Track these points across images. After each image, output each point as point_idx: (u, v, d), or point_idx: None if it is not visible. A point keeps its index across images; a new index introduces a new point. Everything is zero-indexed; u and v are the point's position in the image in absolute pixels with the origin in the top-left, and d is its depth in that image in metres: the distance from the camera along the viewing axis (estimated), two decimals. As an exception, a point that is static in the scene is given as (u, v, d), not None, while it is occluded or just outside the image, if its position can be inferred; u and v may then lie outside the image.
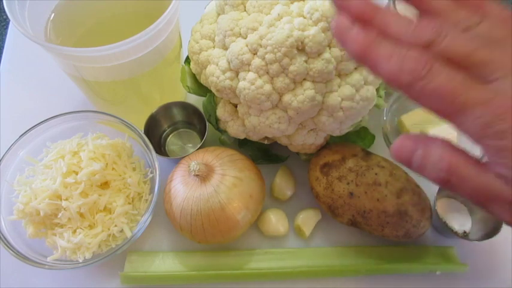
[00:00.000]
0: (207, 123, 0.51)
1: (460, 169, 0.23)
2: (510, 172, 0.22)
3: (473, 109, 0.22)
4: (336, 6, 0.27)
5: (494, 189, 0.23)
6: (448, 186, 0.24)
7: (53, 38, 0.46)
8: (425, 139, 0.25)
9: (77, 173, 0.44)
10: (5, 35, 0.67)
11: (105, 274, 0.48)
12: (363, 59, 0.25)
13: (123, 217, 0.45)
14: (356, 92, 0.41)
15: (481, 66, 0.23)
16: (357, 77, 0.41)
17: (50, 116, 0.48)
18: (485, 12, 0.26)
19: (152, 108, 0.52)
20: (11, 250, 0.42)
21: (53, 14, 0.47)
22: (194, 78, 0.49)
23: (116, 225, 0.44)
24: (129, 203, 0.46)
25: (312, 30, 0.38)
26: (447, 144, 0.24)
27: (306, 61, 0.39)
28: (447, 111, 0.23)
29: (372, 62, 0.24)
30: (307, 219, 0.49)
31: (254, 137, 0.48)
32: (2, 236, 0.43)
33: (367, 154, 0.47)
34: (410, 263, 0.47)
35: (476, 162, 0.24)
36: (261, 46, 0.39)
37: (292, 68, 0.39)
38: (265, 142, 0.50)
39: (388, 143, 0.51)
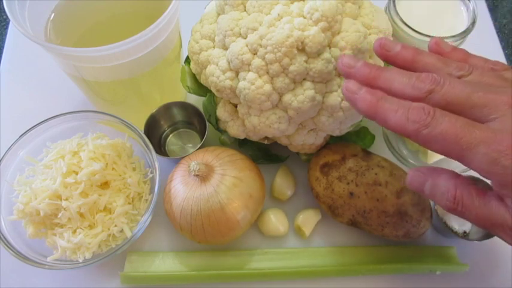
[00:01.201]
0: (207, 123, 0.51)
1: (464, 200, 0.26)
2: None
3: (478, 147, 0.24)
4: (343, 74, 0.32)
5: (496, 218, 0.25)
6: (456, 213, 0.27)
7: (53, 38, 0.46)
8: (433, 172, 0.28)
9: (77, 173, 0.44)
10: (5, 35, 0.67)
11: (105, 274, 0.48)
12: (372, 116, 0.28)
13: (123, 217, 0.45)
14: (356, 92, 0.41)
15: (479, 108, 0.26)
16: (357, 77, 0.41)
17: (50, 116, 0.48)
18: (471, 64, 0.30)
19: (152, 108, 0.52)
20: (11, 250, 0.42)
21: (53, 14, 0.47)
22: (194, 78, 0.49)
23: (116, 225, 0.44)
24: (129, 203, 0.46)
25: (312, 30, 0.38)
26: (453, 176, 0.28)
27: (306, 61, 0.39)
28: (454, 152, 0.25)
29: (380, 116, 0.28)
30: (307, 219, 0.49)
31: (254, 137, 0.48)
32: (2, 236, 0.43)
33: (367, 154, 0.47)
34: (410, 263, 0.47)
35: (480, 192, 0.26)
36: (261, 46, 0.39)
37: (292, 68, 0.39)
38: (265, 142, 0.50)
39: (388, 143, 0.51)
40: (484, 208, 0.26)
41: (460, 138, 0.25)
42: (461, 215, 0.27)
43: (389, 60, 0.32)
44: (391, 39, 0.44)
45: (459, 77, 0.28)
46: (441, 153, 0.26)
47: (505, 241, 0.26)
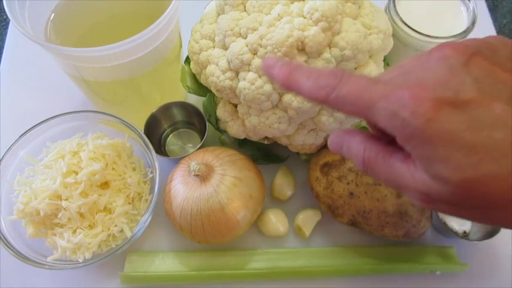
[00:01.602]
0: (207, 123, 0.51)
1: (371, 162, 0.27)
2: (417, 160, 0.24)
3: (379, 102, 0.24)
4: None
5: (400, 179, 0.25)
6: (370, 175, 0.28)
7: (53, 38, 0.46)
8: (349, 134, 0.29)
9: (77, 173, 0.44)
10: (5, 35, 0.67)
11: (105, 274, 0.48)
12: (287, 86, 0.29)
13: (123, 217, 0.45)
14: (356, 92, 0.41)
15: (381, 76, 0.26)
16: (357, 77, 0.41)
17: (50, 116, 0.48)
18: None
19: (152, 108, 0.52)
20: (11, 250, 0.42)
21: (53, 14, 0.47)
22: (194, 78, 0.49)
23: (116, 225, 0.44)
24: (129, 203, 0.46)
25: (312, 30, 0.38)
26: (365, 137, 0.28)
27: (306, 61, 0.39)
28: (362, 112, 0.25)
29: (295, 85, 0.29)
30: (307, 219, 0.49)
31: (254, 137, 0.48)
32: (2, 236, 0.43)
33: (367, 154, 0.47)
34: (410, 263, 0.47)
35: (386, 154, 0.26)
36: (261, 46, 0.39)
37: (292, 68, 0.39)
38: (265, 142, 0.50)
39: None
40: (389, 170, 0.26)
41: (363, 95, 0.25)
42: (374, 177, 0.28)
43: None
44: (391, 39, 0.45)
45: None
46: (354, 116, 0.27)
47: (415, 203, 0.27)
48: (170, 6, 0.40)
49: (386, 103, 0.24)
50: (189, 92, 0.50)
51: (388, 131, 0.25)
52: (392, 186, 0.27)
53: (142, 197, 0.47)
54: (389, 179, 0.26)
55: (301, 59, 0.39)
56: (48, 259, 0.43)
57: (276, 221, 0.48)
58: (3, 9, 0.40)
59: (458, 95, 0.22)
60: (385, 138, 0.27)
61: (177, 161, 0.49)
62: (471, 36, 0.49)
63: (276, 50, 0.38)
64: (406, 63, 0.26)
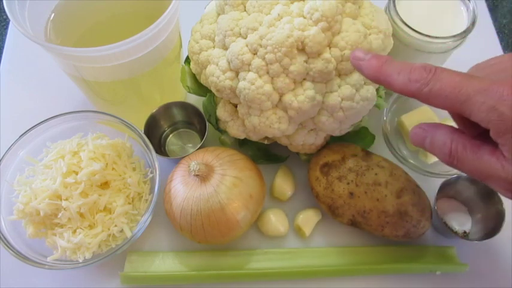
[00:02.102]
0: (207, 123, 0.51)
1: (459, 154, 0.28)
2: (509, 154, 0.25)
3: (476, 97, 0.25)
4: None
5: (488, 170, 0.26)
6: (453, 166, 0.29)
7: (53, 38, 0.46)
8: (433, 127, 0.30)
9: (77, 173, 0.44)
10: (5, 35, 0.67)
11: (105, 274, 0.48)
12: (377, 79, 0.30)
13: (123, 217, 0.45)
14: (356, 92, 0.41)
15: (475, 73, 0.28)
16: (356, 77, 0.41)
17: (50, 116, 0.48)
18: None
19: (152, 108, 0.52)
20: (11, 250, 0.42)
21: (53, 14, 0.47)
22: (194, 78, 0.49)
23: (116, 225, 0.44)
24: (129, 203, 0.46)
25: (312, 30, 0.38)
26: (450, 130, 0.29)
27: (306, 61, 0.39)
28: (455, 106, 0.26)
29: (384, 79, 0.29)
30: (307, 219, 0.49)
31: (254, 137, 0.48)
32: (2, 236, 0.43)
33: (367, 154, 0.47)
34: (410, 263, 0.47)
35: (474, 146, 0.27)
36: (261, 46, 0.39)
37: (292, 68, 0.39)
38: (265, 142, 0.50)
39: (388, 143, 0.51)
40: (477, 161, 0.27)
41: (458, 90, 0.26)
42: (458, 167, 0.28)
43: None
44: (391, 39, 0.45)
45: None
46: (446, 109, 0.27)
47: (500, 193, 0.27)
48: (170, 6, 0.40)
49: (484, 97, 0.25)
50: (189, 92, 0.50)
51: (483, 124, 0.26)
52: (479, 176, 0.28)
53: (142, 197, 0.47)
54: (477, 170, 0.27)
55: (301, 59, 0.39)
56: (48, 259, 0.43)
57: (276, 221, 0.48)
58: (3, 9, 0.40)
59: None
60: (468, 133, 0.29)
61: (177, 161, 0.49)
62: (471, 36, 0.49)
63: (276, 50, 0.38)
64: (497, 62, 0.27)
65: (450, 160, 0.28)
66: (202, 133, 0.53)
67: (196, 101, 0.54)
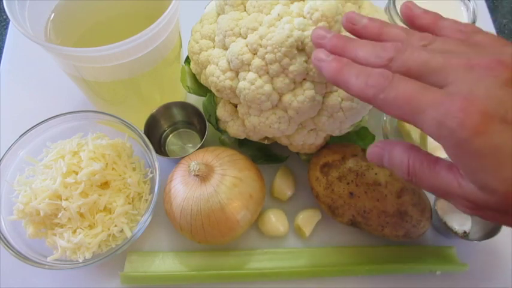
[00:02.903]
0: (207, 123, 0.51)
1: (416, 171, 0.27)
2: (462, 169, 0.25)
3: (428, 110, 0.24)
4: (315, 45, 0.33)
5: (445, 187, 0.26)
6: (413, 183, 0.28)
7: (53, 38, 0.46)
8: (389, 144, 0.29)
9: (77, 173, 0.44)
10: (5, 35, 0.67)
11: (105, 274, 0.48)
12: (336, 81, 0.29)
13: (123, 217, 0.45)
14: (356, 92, 0.41)
15: (437, 72, 0.26)
16: (357, 77, 0.41)
17: (50, 116, 0.48)
18: (440, 27, 0.31)
19: (152, 108, 0.52)
20: (11, 250, 0.42)
21: (53, 14, 0.47)
22: (194, 78, 0.49)
23: (116, 225, 0.44)
24: (129, 203, 0.46)
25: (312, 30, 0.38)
26: (407, 147, 0.28)
27: (306, 61, 0.39)
28: (408, 116, 0.26)
29: (343, 82, 0.29)
30: (307, 219, 0.49)
31: (254, 137, 0.48)
32: (2, 236, 0.43)
33: (367, 154, 0.47)
34: (410, 263, 0.47)
35: (431, 163, 0.27)
36: (261, 46, 0.39)
37: (292, 68, 0.39)
38: (265, 142, 0.50)
39: (388, 143, 0.51)
40: (434, 178, 0.26)
41: (412, 101, 0.25)
42: (417, 185, 0.28)
43: (357, 34, 0.33)
44: None
45: (422, 46, 0.29)
46: (399, 118, 0.27)
47: (460, 210, 0.27)
48: (170, 6, 0.40)
49: (435, 112, 0.24)
50: (189, 92, 0.50)
51: (434, 138, 0.25)
52: (438, 194, 0.27)
53: (142, 197, 0.47)
54: (435, 187, 0.27)
55: (301, 59, 0.39)
56: (48, 259, 0.43)
57: (276, 221, 0.48)
58: (3, 9, 0.40)
59: (508, 112, 0.23)
60: None
61: (177, 161, 0.49)
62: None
63: (275, 50, 0.38)
64: (456, 68, 0.25)
65: (409, 178, 0.28)
66: (202, 133, 0.53)
67: (196, 101, 0.54)
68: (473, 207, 0.25)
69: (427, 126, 0.25)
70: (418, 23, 0.32)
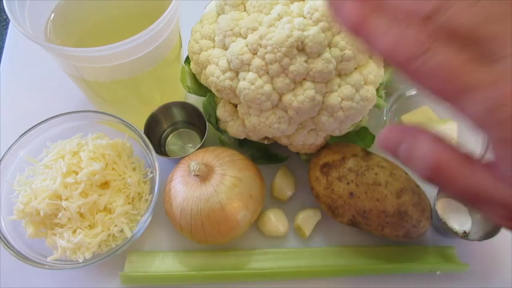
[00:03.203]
0: (207, 123, 0.51)
1: (444, 166, 0.22)
2: (508, 169, 0.20)
3: (476, 92, 0.20)
4: None
5: (482, 189, 0.21)
6: (433, 183, 0.22)
7: (53, 38, 0.46)
8: (412, 131, 0.23)
9: (77, 173, 0.44)
10: (5, 35, 0.67)
11: (105, 274, 0.48)
12: (357, 30, 0.23)
13: (123, 217, 0.45)
14: (356, 92, 0.41)
15: (487, 42, 0.20)
16: (357, 77, 0.41)
17: (50, 116, 0.48)
18: None
19: (152, 108, 0.52)
20: (11, 250, 0.42)
21: (53, 14, 0.47)
22: (194, 78, 0.49)
23: (116, 225, 0.44)
24: (129, 203, 0.46)
25: (312, 30, 0.38)
26: (435, 138, 0.22)
27: (306, 61, 0.39)
28: (447, 93, 0.21)
29: (367, 35, 0.22)
30: (307, 219, 0.49)
31: (254, 137, 0.48)
32: (2, 236, 0.43)
33: (367, 154, 0.47)
34: (410, 263, 0.47)
35: (466, 159, 0.21)
36: (261, 46, 0.39)
37: (292, 68, 0.39)
38: (265, 142, 0.50)
39: (388, 143, 0.51)
40: (469, 177, 0.21)
41: (456, 76, 0.20)
42: (442, 185, 0.22)
43: None
44: None
45: (470, 3, 0.22)
46: (433, 93, 0.21)
47: (490, 218, 0.22)
48: (170, 6, 0.40)
49: (484, 95, 0.19)
50: (189, 92, 0.50)
51: (478, 126, 0.20)
52: (469, 198, 0.22)
53: (142, 197, 0.47)
54: (468, 188, 0.21)
55: (301, 59, 0.39)
56: (48, 259, 0.43)
57: (276, 221, 0.48)
58: (3, 9, 0.40)
59: None
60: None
61: (177, 161, 0.49)
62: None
63: (275, 50, 0.38)
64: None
65: (432, 175, 0.22)
66: (202, 133, 0.53)
67: (196, 101, 0.54)
68: (510, 218, 0.21)
69: (470, 110, 0.20)
70: None
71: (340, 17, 0.23)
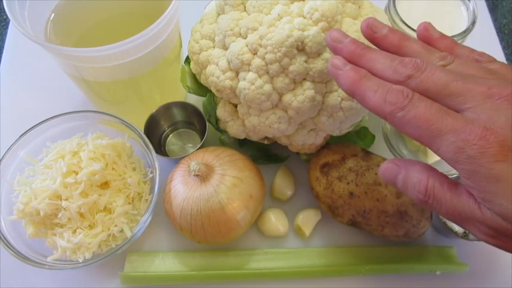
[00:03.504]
0: (207, 123, 0.51)
1: (435, 192, 0.26)
2: (480, 195, 0.24)
3: (447, 135, 0.24)
4: (331, 49, 0.33)
5: (466, 211, 0.25)
6: (427, 206, 0.27)
7: (53, 38, 0.46)
8: (406, 163, 0.28)
9: (77, 173, 0.44)
10: (5, 35, 0.67)
11: (105, 274, 0.48)
12: (352, 93, 0.29)
13: (123, 217, 0.45)
14: (356, 92, 0.41)
15: (455, 96, 0.26)
16: (357, 77, 0.41)
17: (50, 116, 0.48)
18: (456, 54, 0.30)
19: (152, 108, 0.52)
20: (11, 250, 0.42)
21: (53, 14, 0.47)
22: (194, 78, 0.49)
23: (116, 225, 0.44)
24: (129, 203, 0.46)
25: (312, 30, 0.38)
26: (426, 168, 0.28)
27: (306, 61, 0.39)
28: (425, 137, 0.25)
29: (360, 94, 0.28)
30: (307, 219, 0.49)
31: (254, 137, 0.48)
32: (2, 236, 0.43)
33: (367, 154, 0.47)
34: (410, 263, 0.47)
35: (452, 185, 0.26)
36: (261, 46, 0.39)
37: (292, 68, 0.39)
38: (265, 142, 0.50)
39: (388, 143, 0.51)
40: (455, 201, 0.26)
41: (431, 124, 0.25)
42: (432, 207, 0.27)
43: (375, 42, 0.32)
44: None
45: (441, 66, 0.29)
46: (414, 138, 0.27)
47: (475, 236, 0.26)
48: (170, 6, 0.40)
49: (454, 138, 0.24)
50: (189, 92, 0.50)
51: (450, 163, 0.25)
52: (456, 218, 0.26)
53: (142, 197, 0.47)
54: (455, 210, 0.26)
55: (301, 59, 0.39)
56: (48, 259, 0.43)
57: (276, 221, 0.48)
58: (3, 9, 0.40)
59: None
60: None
61: (177, 161, 0.49)
62: (471, 36, 0.49)
63: (275, 50, 0.38)
64: (475, 94, 0.25)
65: (425, 199, 0.27)
66: (202, 133, 0.53)
67: (196, 101, 0.54)
68: (493, 235, 0.25)
69: (444, 150, 0.25)
70: (434, 46, 0.31)
71: (339, 81, 0.30)
